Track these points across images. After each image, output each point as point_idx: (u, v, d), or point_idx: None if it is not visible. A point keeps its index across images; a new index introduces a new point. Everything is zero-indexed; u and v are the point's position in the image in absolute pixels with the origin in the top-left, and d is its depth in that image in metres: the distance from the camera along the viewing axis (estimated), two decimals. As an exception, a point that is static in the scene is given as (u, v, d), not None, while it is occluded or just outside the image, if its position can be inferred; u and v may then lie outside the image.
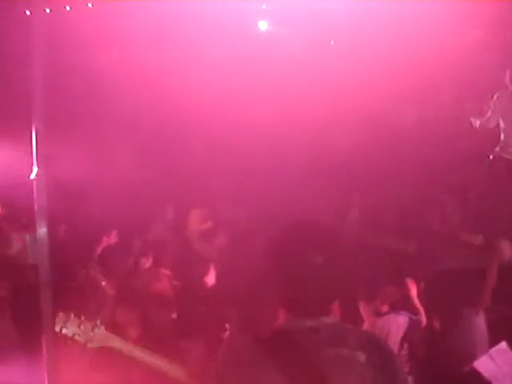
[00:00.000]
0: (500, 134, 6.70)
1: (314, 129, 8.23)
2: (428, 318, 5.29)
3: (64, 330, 2.49)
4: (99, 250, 6.89)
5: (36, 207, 5.69)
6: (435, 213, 7.41)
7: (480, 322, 5.13)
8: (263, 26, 9.97)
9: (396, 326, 5.01)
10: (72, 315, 2.55)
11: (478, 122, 7.01)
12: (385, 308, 5.28)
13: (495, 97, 6.70)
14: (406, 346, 5.02)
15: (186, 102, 8.26)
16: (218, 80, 8.88)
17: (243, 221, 7.69)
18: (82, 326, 2.47)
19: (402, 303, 5.21)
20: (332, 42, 9.08)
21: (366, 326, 5.04)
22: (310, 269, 2.17)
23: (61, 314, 2.57)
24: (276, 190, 7.39)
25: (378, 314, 5.22)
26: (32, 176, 5.53)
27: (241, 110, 8.48)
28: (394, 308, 5.24)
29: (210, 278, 5.92)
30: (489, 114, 6.78)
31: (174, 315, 5.61)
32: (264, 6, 9.76)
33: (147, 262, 6.65)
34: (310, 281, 2.16)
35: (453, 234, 7.06)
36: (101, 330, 2.50)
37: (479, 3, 9.12)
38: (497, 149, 6.82)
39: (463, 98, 8.84)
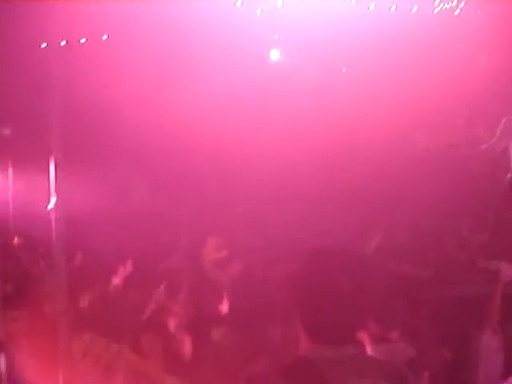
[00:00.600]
0: (510, 158, 6.70)
1: (328, 156, 8.26)
2: (441, 343, 5.25)
3: (87, 353, 2.49)
4: (115, 279, 6.92)
5: (53, 237, 5.73)
6: (451, 238, 7.39)
7: (492, 342, 5.09)
8: (275, 55, 10.06)
9: (403, 353, 4.96)
10: (95, 337, 2.55)
11: (484, 146, 7.02)
12: (395, 334, 5.24)
13: (503, 121, 6.71)
14: (425, 374, 4.98)
15: (199, 133, 8.33)
16: (230, 110, 8.95)
17: (259, 249, 7.70)
18: (105, 348, 2.47)
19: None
20: (344, 70, 9.14)
21: (369, 350, 4.97)
22: (333, 297, 2.16)
23: (85, 335, 2.57)
24: (292, 217, 7.40)
25: (387, 340, 5.17)
26: (50, 206, 5.57)
27: (254, 138, 8.53)
28: (404, 335, 5.20)
29: (224, 307, 5.92)
30: (496, 138, 6.79)
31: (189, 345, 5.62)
32: (276, 36, 9.86)
33: (161, 294, 6.66)
34: (335, 309, 2.15)
35: (469, 260, 7.03)
36: (125, 354, 2.50)
37: (490, 29, 9.22)
38: (509, 174, 6.81)
39: (475, 123, 8.86)
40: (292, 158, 8.02)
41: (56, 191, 6.26)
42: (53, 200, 4.80)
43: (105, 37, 8.79)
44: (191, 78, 9.51)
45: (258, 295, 6.27)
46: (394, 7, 9.89)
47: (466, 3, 10.13)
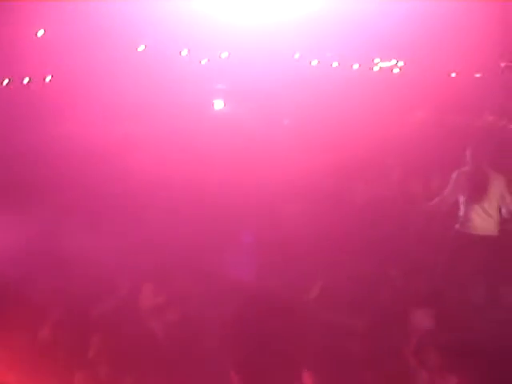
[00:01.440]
0: (458, 210, 6.88)
1: (268, 207, 8.33)
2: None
3: None
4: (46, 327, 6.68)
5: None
6: (386, 289, 7.46)
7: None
8: (219, 104, 10.22)
9: None
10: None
11: (436, 200, 7.20)
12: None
13: (455, 174, 6.93)
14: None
15: (143, 176, 8.30)
16: (173, 156, 8.98)
17: (196, 295, 7.60)
18: None
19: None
20: (285, 122, 9.34)
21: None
22: (268, 344, 2.16)
23: None
24: (231, 265, 7.38)
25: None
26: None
27: (194, 184, 8.56)
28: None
29: (160, 353, 5.80)
30: (447, 191, 7.00)
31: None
32: (220, 86, 10.03)
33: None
34: (269, 357, 2.14)
35: (404, 311, 7.10)
36: None
37: (426, 85, 9.62)
38: (457, 225, 6.98)
39: (412, 177, 9.10)
40: (231, 206, 8.05)
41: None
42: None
43: (48, 78, 8.79)
44: (138, 122, 9.55)
45: (193, 342, 6.17)
46: (336, 64, 10.26)
47: (405, 63, 10.59)
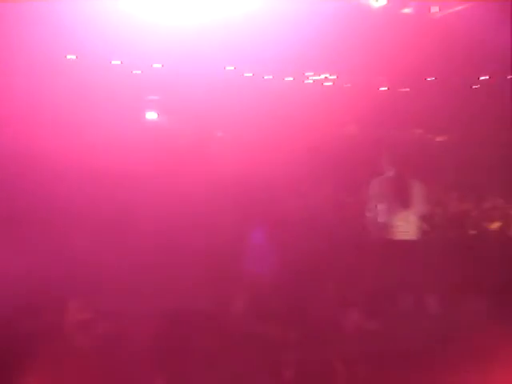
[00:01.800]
0: (377, 217, 7.01)
1: (198, 217, 8.26)
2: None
3: None
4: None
5: None
6: (317, 300, 7.51)
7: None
8: (152, 115, 10.14)
9: None
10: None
11: (363, 210, 7.32)
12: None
13: (377, 182, 7.07)
14: None
15: (70, 187, 8.11)
16: (104, 167, 8.82)
17: (125, 311, 7.44)
18: None
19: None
20: (219, 134, 9.34)
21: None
22: (196, 360, 2.14)
23: None
24: (159, 281, 7.25)
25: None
26: None
27: (127, 199, 8.42)
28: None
29: (88, 370, 5.67)
30: (370, 198, 7.13)
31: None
32: (153, 97, 9.95)
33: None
34: (199, 370, 2.13)
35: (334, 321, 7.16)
36: None
37: (359, 99, 9.80)
38: (381, 232, 7.11)
39: (342, 189, 9.25)
40: (161, 223, 7.91)
41: None
42: None
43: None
44: (66, 131, 9.34)
45: (122, 357, 6.06)
46: (271, 76, 10.34)
47: (337, 76, 10.76)
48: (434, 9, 8.04)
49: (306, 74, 10.27)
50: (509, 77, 10.89)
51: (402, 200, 6.83)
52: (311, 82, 10.67)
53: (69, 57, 9.51)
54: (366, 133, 9.66)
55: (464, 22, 8.03)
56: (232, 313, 6.78)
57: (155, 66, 9.76)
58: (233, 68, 10.07)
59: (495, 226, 8.63)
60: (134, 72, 9.85)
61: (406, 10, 7.76)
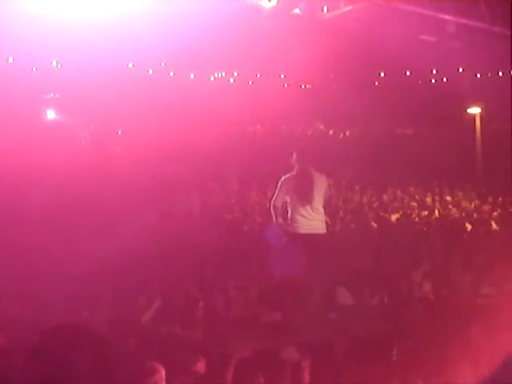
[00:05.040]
0: (287, 212, 7.05)
1: (98, 223, 7.97)
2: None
3: None
4: None
5: None
6: (219, 299, 7.43)
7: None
8: (51, 114, 9.84)
9: None
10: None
11: (269, 205, 7.36)
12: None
13: (282, 178, 7.14)
14: None
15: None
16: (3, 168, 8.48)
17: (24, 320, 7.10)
18: None
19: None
20: (119, 132, 9.17)
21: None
22: (79, 369, 2.05)
23: None
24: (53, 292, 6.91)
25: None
26: None
27: (22, 199, 8.10)
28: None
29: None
30: (276, 194, 7.18)
31: None
32: (51, 95, 9.66)
33: None
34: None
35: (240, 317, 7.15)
36: None
37: (264, 99, 9.87)
38: (286, 227, 7.15)
39: (248, 187, 9.28)
40: (57, 225, 7.55)
41: None
42: None
43: None
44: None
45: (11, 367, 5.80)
46: (172, 73, 10.27)
47: (238, 74, 10.79)
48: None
49: (208, 71, 10.24)
50: (407, 74, 11.31)
51: (306, 195, 6.92)
52: (215, 77, 10.69)
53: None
54: (270, 130, 9.73)
55: (354, 23, 8.24)
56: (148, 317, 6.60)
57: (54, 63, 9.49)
58: (132, 65, 9.93)
59: (395, 217, 8.89)
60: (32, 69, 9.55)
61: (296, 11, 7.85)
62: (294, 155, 7.02)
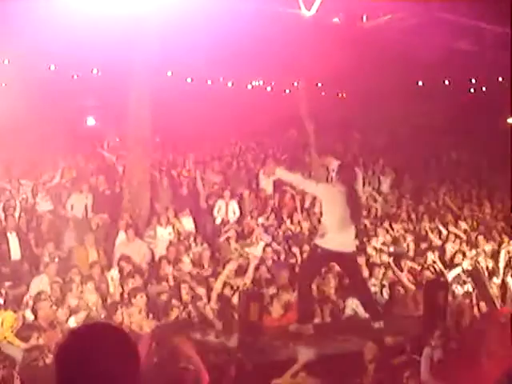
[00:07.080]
0: None
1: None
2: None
3: None
4: None
5: None
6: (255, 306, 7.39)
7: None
8: (90, 121, 9.99)
9: None
10: None
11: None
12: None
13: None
14: None
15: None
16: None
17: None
18: None
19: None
20: (157, 139, 9.26)
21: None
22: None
23: None
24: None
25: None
26: None
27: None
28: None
29: None
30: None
31: None
32: (91, 102, 9.78)
33: None
34: None
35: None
36: None
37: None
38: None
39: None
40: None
41: None
42: None
43: None
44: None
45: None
46: (170, 73, 10.23)
47: (275, 83, 10.82)
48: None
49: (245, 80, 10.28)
50: (445, 83, 11.19)
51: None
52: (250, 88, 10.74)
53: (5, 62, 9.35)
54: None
55: (393, 32, 8.19)
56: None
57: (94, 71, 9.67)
58: (171, 73, 10.01)
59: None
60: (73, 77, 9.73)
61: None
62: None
